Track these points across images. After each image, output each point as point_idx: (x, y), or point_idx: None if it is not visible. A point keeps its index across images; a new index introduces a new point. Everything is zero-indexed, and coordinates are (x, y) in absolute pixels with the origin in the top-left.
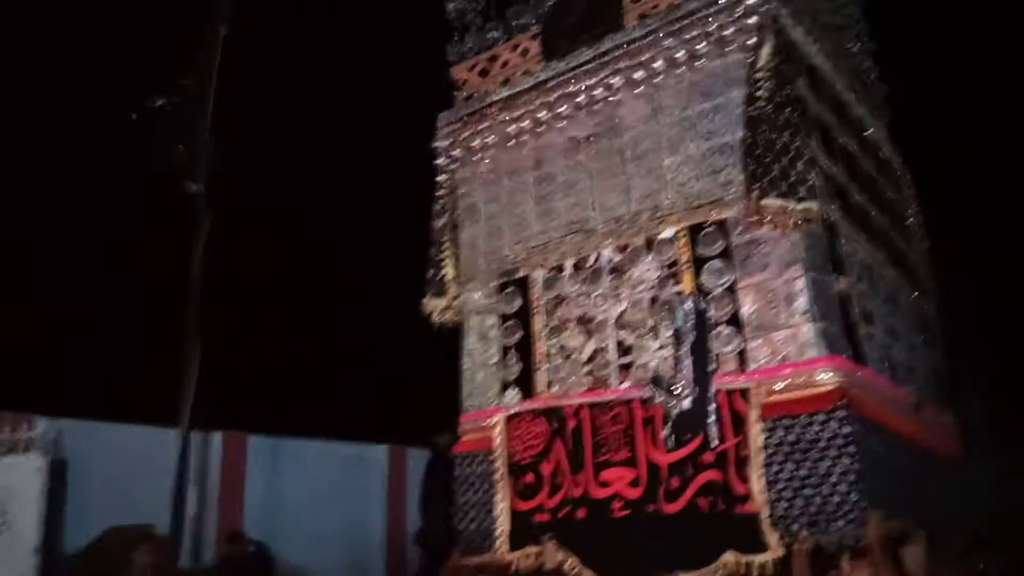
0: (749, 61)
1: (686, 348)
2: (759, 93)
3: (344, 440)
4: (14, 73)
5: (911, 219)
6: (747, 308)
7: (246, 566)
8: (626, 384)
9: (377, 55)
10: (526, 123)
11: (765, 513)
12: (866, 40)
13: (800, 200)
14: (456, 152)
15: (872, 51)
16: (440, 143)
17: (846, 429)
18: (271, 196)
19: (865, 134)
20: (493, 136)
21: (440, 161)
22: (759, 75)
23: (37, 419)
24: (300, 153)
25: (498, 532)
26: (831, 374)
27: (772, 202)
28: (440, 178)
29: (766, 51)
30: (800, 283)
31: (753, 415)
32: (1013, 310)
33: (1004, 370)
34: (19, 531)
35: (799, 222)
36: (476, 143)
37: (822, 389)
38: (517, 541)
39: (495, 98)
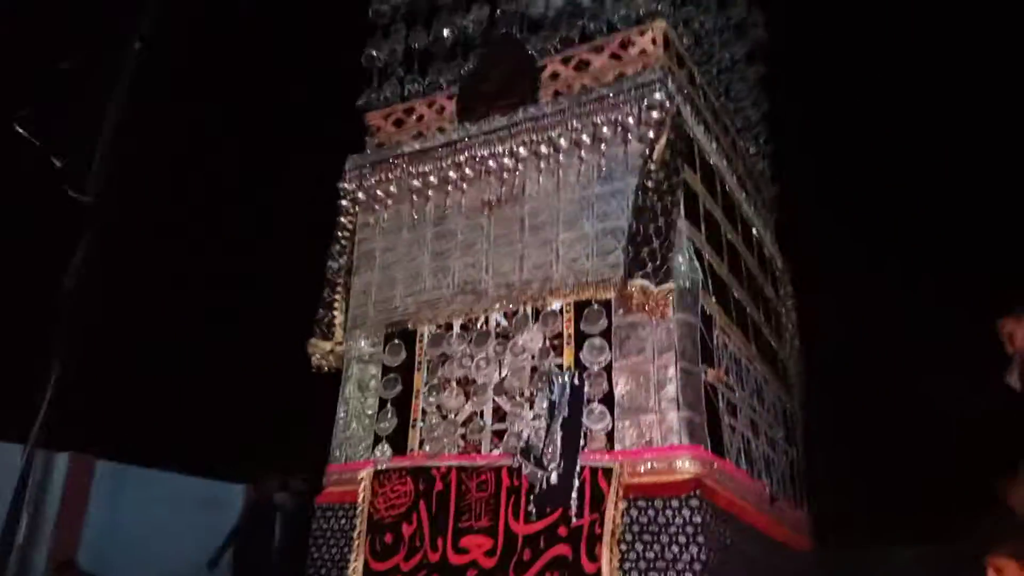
0: (645, 153)
1: (558, 421)
2: (648, 183)
3: (200, 476)
4: None
5: (785, 318)
6: (620, 389)
7: None
8: (497, 451)
9: (294, 80)
10: (432, 179)
11: None
12: (763, 143)
13: (662, 283)
14: (360, 196)
15: (767, 153)
16: (346, 184)
17: (697, 518)
18: (161, 213)
19: (752, 232)
20: (398, 186)
21: (344, 203)
22: (651, 166)
23: None
24: (200, 169)
25: None
26: (689, 462)
27: (640, 283)
28: (342, 220)
29: (661, 143)
30: (671, 370)
31: (612, 494)
32: (869, 412)
33: (858, 469)
34: None
35: (668, 308)
36: (381, 191)
37: (679, 476)
38: None
39: (406, 150)
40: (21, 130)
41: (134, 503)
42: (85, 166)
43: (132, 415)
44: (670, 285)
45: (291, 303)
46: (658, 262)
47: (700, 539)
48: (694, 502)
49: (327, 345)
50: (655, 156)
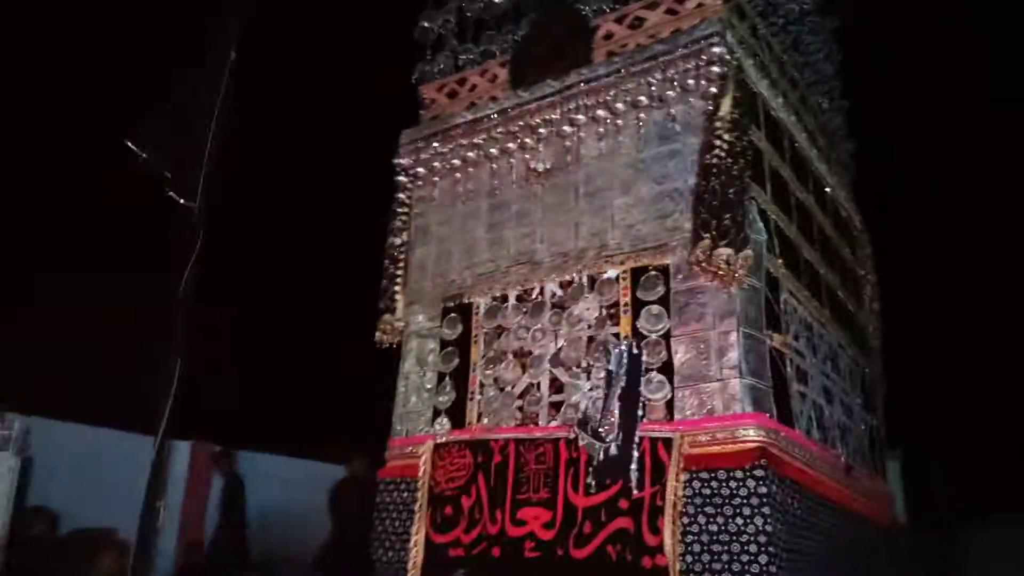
0: (709, 109)
1: (616, 391)
2: (716, 142)
3: (309, 458)
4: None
5: (863, 280)
6: (679, 357)
7: None
8: (555, 423)
9: (348, 64)
10: (486, 149)
11: (674, 567)
12: (837, 97)
13: (740, 250)
14: (416, 170)
15: (843, 108)
16: (402, 160)
17: (762, 488)
18: (264, 210)
19: (825, 191)
20: (453, 158)
21: (400, 178)
22: (718, 124)
23: (11, 416)
24: (288, 160)
25: (411, 564)
26: (753, 431)
27: (716, 251)
28: (399, 195)
29: (726, 99)
30: (733, 337)
31: (674, 466)
32: (954, 375)
33: (942, 437)
34: None
35: (739, 273)
36: (436, 164)
37: (743, 446)
38: (429, 574)
39: (459, 120)
40: (130, 144)
41: (253, 488)
42: (191, 173)
43: (243, 403)
44: (748, 252)
45: (361, 286)
46: (731, 225)
47: (765, 510)
48: (759, 472)
49: (390, 319)
50: (720, 113)
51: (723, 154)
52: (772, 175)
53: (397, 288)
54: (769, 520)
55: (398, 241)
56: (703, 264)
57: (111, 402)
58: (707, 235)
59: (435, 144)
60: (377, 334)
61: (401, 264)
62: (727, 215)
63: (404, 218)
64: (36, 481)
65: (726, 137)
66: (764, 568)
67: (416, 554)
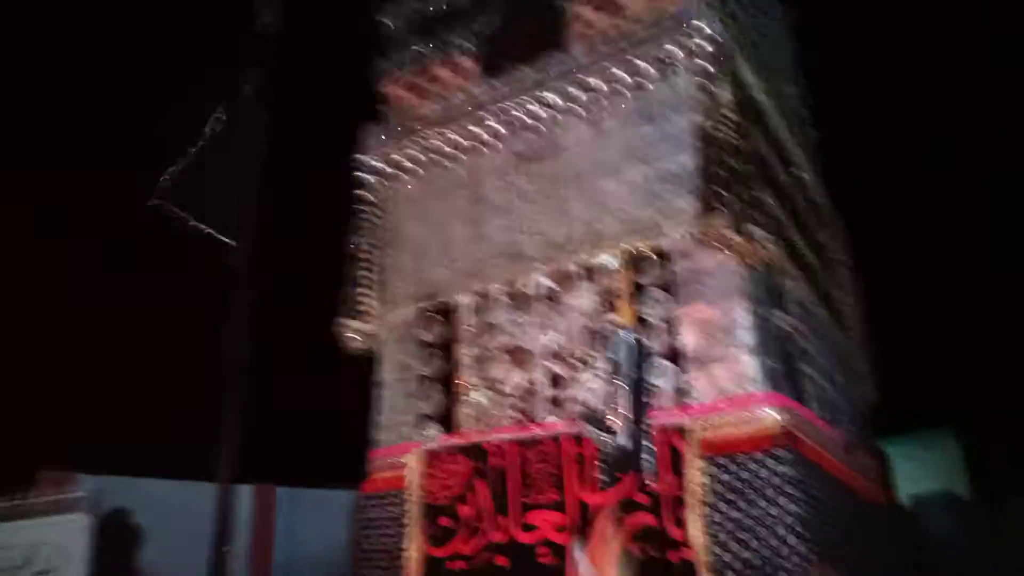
0: (704, 88)
1: (623, 381)
2: (717, 120)
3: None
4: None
5: (840, 261)
6: (686, 340)
7: None
8: (555, 419)
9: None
10: (459, 142)
11: (702, 559)
12: (801, 84)
13: (753, 227)
14: (382, 167)
15: (805, 96)
16: (365, 157)
17: (789, 471)
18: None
19: (802, 175)
20: (423, 154)
21: (364, 176)
22: (717, 101)
23: (82, 477)
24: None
25: None
26: (773, 412)
27: (729, 230)
28: (364, 194)
29: (723, 78)
30: (742, 315)
31: (691, 454)
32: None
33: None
34: None
35: (748, 253)
36: (405, 161)
37: (764, 428)
38: None
39: (426, 113)
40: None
41: (310, 522)
42: (231, 233)
43: (297, 442)
44: (767, 235)
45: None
46: (742, 202)
47: (789, 491)
48: (780, 453)
49: (358, 325)
50: (717, 91)
51: (724, 130)
52: (759, 157)
53: (366, 292)
54: (792, 501)
55: (365, 243)
56: (713, 241)
57: (176, 455)
58: (717, 211)
59: (403, 141)
60: (345, 341)
61: (369, 267)
62: (736, 191)
63: (371, 219)
64: (109, 537)
65: (726, 114)
66: (795, 551)
67: (413, 570)
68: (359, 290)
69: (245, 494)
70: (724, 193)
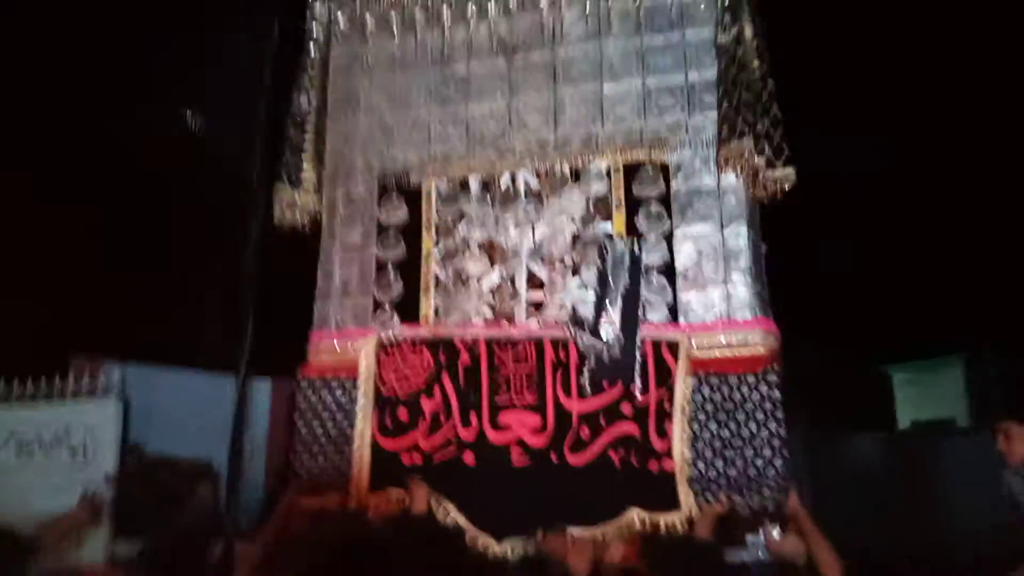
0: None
1: (615, 291)
2: (735, 37)
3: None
4: None
5: None
6: (683, 259)
7: None
8: (534, 321)
9: None
10: (436, 9)
11: (682, 472)
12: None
13: (778, 155)
14: (334, 24)
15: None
16: (314, 10)
17: (775, 393)
18: None
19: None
20: (390, 16)
21: (312, 29)
22: (738, 16)
23: (111, 365)
24: None
25: (355, 471)
26: (764, 336)
27: (753, 154)
28: (310, 50)
29: None
30: (743, 241)
31: (681, 369)
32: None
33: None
34: (97, 464)
35: (776, 176)
36: (366, 19)
37: (756, 351)
38: (378, 482)
39: None
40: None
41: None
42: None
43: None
44: (790, 170)
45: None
46: (769, 128)
47: (779, 415)
48: (771, 377)
49: (294, 195)
50: (740, 4)
51: (747, 49)
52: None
53: (304, 159)
54: (782, 424)
55: (305, 104)
56: (736, 164)
57: (197, 346)
58: (743, 135)
59: None
60: (277, 212)
61: (310, 131)
62: (764, 116)
63: (314, 77)
64: (135, 424)
65: (747, 32)
66: (778, 472)
67: (361, 460)
68: (298, 157)
69: (263, 387)
70: (750, 116)
